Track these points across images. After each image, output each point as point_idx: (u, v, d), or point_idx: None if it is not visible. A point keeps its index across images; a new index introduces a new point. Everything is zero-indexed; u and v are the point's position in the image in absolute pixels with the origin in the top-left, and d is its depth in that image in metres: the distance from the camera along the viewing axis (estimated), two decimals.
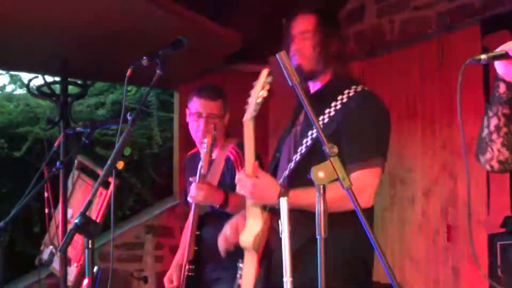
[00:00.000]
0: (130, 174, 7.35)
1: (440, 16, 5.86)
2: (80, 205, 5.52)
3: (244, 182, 3.14)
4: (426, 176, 5.81)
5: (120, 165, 2.87)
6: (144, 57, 3.07)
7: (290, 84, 2.35)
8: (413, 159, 5.91)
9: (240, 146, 4.27)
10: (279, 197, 2.73)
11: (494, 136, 2.47)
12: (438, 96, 5.74)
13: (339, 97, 3.17)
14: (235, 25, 5.72)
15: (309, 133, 3.15)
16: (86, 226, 2.62)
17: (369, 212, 3.13)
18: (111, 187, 4.39)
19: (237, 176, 3.20)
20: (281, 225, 2.43)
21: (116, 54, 5.15)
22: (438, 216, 5.65)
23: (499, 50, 2.33)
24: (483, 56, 2.30)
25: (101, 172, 4.39)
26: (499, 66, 2.39)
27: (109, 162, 2.83)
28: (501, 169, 2.52)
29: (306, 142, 3.15)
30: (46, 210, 4.99)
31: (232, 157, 4.24)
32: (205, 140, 4.06)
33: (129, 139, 2.92)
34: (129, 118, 2.94)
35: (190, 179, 4.10)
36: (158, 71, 3.04)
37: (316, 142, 3.06)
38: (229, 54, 6.11)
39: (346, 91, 3.18)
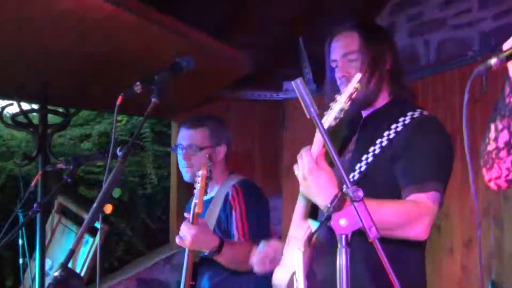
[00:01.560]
0: (119, 218, 7.34)
1: (484, 36, 5.87)
2: (60, 255, 5.52)
3: (306, 160, 2.77)
4: (466, 222, 5.77)
5: (108, 208, 2.87)
6: (138, 83, 3.04)
7: (308, 117, 2.32)
8: (450, 202, 5.85)
9: (243, 184, 4.28)
10: (332, 201, 2.61)
11: (503, 153, 2.42)
12: (481, 127, 5.70)
13: (401, 119, 3.18)
14: (243, 45, 5.73)
15: (364, 157, 3.15)
16: (67, 280, 2.60)
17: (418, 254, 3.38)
18: (98, 234, 4.38)
19: (301, 151, 2.82)
20: (296, 281, 2.38)
21: (104, 79, 5.17)
22: (481, 271, 5.61)
23: (510, 46, 2.18)
24: (493, 61, 2.12)
25: (85, 216, 4.39)
26: None
27: (95, 205, 2.80)
28: (510, 186, 2.47)
29: (360, 167, 3.14)
30: (21, 260, 4.99)
31: (230, 195, 4.24)
32: (199, 173, 3.95)
33: (119, 178, 2.91)
34: (118, 153, 2.92)
35: (185, 214, 4.05)
36: (153, 99, 3.01)
37: (370, 167, 3.10)
38: (236, 79, 6.12)
39: (409, 113, 3.20)
